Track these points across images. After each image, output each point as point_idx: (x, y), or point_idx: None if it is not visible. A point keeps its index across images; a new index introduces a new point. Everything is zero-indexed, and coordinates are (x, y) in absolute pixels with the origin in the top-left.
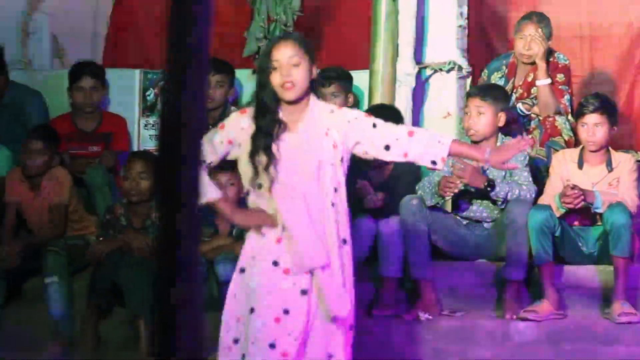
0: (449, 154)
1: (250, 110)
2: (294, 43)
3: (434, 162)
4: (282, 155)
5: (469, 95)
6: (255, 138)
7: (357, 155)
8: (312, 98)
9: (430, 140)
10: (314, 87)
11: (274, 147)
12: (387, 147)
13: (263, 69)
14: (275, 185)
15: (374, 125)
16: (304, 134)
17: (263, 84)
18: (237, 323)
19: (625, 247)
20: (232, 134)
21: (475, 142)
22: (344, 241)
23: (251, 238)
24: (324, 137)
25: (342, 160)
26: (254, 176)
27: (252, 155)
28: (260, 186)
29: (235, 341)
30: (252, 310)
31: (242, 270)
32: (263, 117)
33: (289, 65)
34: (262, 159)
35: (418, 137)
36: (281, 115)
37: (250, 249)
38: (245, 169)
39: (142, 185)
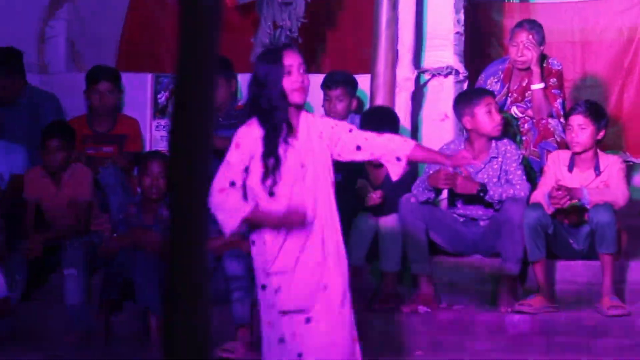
0: (413, 156)
1: (254, 120)
2: (299, 52)
3: (398, 159)
4: (290, 159)
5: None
6: (266, 139)
7: (333, 158)
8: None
9: (396, 139)
10: None
11: (281, 150)
12: (358, 148)
13: (275, 73)
14: (285, 189)
15: (350, 130)
16: (306, 137)
17: (274, 86)
18: (292, 339)
19: (611, 244)
20: (248, 147)
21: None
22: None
23: (258, 252)
24: (319, 140)
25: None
26: (264, 180)
27: (265, 156)
28: (272, 194)
29: (299, 355)
30: (307, 320)
31: (264, 287)
32: (272, 117)
33: (300, 72)
34: (271, 161)
35: (385, 136)
36: None
37: (262, 263)
38: (255, 179)
39: (161, 183)
